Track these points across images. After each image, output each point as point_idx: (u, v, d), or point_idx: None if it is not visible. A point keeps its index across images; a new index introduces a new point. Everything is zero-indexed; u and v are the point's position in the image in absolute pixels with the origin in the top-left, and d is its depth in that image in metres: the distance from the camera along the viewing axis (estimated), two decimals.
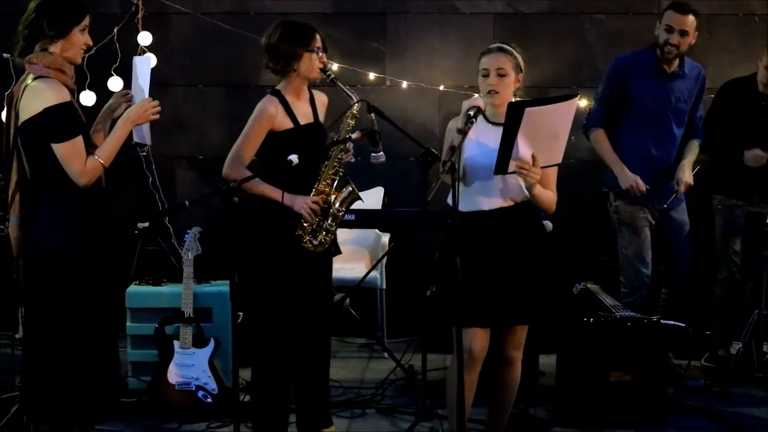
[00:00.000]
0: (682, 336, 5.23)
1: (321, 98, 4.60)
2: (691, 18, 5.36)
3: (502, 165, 3.91)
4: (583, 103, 6.39)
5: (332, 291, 4.92)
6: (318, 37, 4.42)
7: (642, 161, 5.43)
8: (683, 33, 5.35)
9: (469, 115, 3.92)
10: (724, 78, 5.89)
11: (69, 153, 3.76)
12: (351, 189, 4.40)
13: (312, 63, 4.39)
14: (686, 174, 5.42)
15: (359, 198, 4.43)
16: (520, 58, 4.17)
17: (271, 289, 4.44)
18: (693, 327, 5.37)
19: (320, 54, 4.41)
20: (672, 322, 5.03)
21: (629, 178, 5.37)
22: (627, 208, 5.51)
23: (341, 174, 4.40)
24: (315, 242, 4.38)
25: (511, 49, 4.18)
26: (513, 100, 4.05)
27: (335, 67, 6.29)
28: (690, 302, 5.70)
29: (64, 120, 3.75)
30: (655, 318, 4.96)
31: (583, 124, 5.61)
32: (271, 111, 4.38)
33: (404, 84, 6.52)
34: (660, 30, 5.39)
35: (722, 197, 5.75)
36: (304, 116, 4.48)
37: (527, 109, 3.81)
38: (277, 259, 4.39)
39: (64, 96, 3.77)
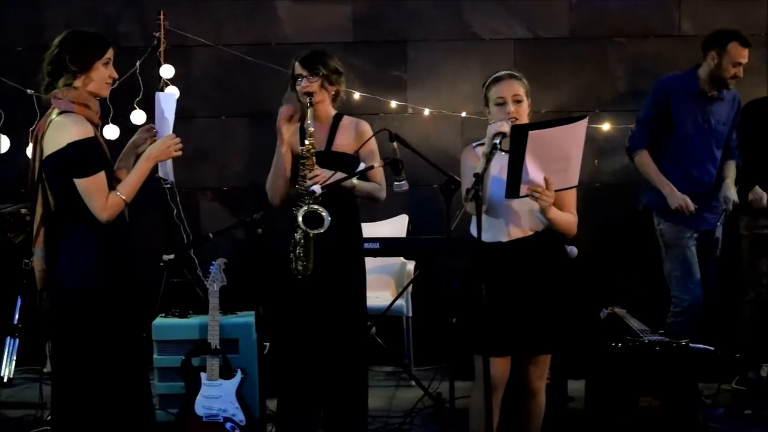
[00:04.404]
0: (712, 359, 5.18)
1: (358, 128, 4.60)
2: None
3: (512, 189, 3.88)
4: (605, 126, 6.41)
5: (358, 322, 4.75)
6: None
7: (683, 182, 5.44)
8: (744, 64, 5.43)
9: (495, 143, 3.89)
10: (745, 98, 5.86)
11: (91, 188, 3.77)
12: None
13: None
14: (732, 192, 5.47)
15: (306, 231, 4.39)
16: (526, 83, 4.17)
17: (280, 317, 4.55)
18: (722, 350, 5.32)
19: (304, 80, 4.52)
20: (701, 346, 4.98)
21: (678, 198, 5.39)
22: (672, 229, 5.51)
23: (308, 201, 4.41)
24: (298, 269, 4.44)
25: (519, 74, 4.18)
26: (517, 124, 3.99)
27: (357, 95, 6.31)
28: (719, 324, 5.67)
29: (87, 155, 3.77)
30: (683, 342, 4.92)
31: (626, 147, 5.65)
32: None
33: (426, 111, 6.54)
34: (725, 64, 5.39)
35: (749, 218, 5.72)
36: (316, 142, 4.53)
37: (531, 132, 3.78)
38: (282, 286, 4.49)
39: (88, 131, 3.79)
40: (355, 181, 4.44)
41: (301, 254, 4.42)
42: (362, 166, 4.45)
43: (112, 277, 3.86)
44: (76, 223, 3.83)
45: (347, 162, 4.51)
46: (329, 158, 4.54)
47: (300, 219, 4.32)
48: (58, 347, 3.97)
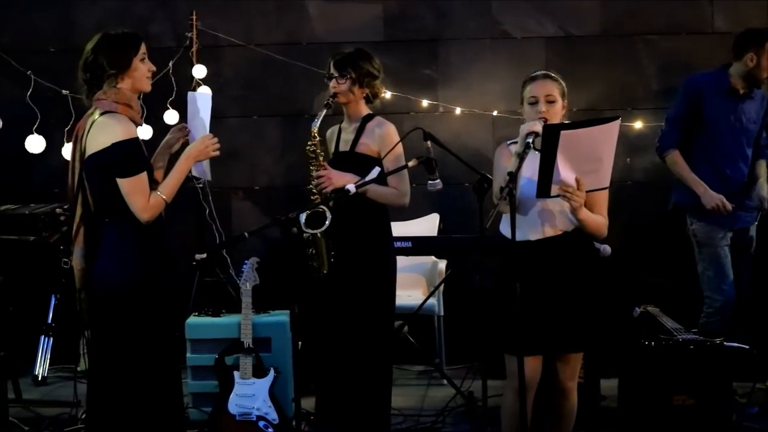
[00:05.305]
0: (746, 358, 5.15)
1: (380, 129, 4.56)
2: None
3: (543, 188, 3.87)
4: (637, 124, 6.38)
5: (380, 322, 4.63)
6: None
7: (716, 181, 5.41)
8: None
9: (528, 142, 3.88)
10: None
11: (133, 188, 3.79)
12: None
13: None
14: (767, 191, 5.45)
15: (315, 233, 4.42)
16: (563, 84, 4.17)
17: (309, 316, 4.58)
18: (757, 348, 5.28)
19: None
20: (735, 344, 4.95)
21: (714, 198, 5.35)
22: (705, 228, 5.47)
23: (317, 201, 4.45)
24: (314, 268, 4.46)
25: (555, 75, 4.17)
26: (548, 124, 3.98)
27: (388, 95, 6.31)
28: (753, 323, 5.63)
29: (131, 156, 3.79)
30: (718, 340, 4.89)
31: (656, 147, 5.61)
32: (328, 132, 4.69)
33: (457, 110, 6.53)
34: (764, 62, 5.36)
35: None
36: (344, 143, 4.62)
37: (563, 132, 3.77)
38: (309, 286, 4.54)
39: (132, 132, 3.82)
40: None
41: (314, 254, 4.44)
42: (376, 169, 4.41)
43: (149, 277, 3.89)
44: (115, 223, 3.86)
45: (368, 164, 4.49)
46: (352, 159, 4.56)
47: (303, 221, 4.35)
48: (94, 345, 4.00)
